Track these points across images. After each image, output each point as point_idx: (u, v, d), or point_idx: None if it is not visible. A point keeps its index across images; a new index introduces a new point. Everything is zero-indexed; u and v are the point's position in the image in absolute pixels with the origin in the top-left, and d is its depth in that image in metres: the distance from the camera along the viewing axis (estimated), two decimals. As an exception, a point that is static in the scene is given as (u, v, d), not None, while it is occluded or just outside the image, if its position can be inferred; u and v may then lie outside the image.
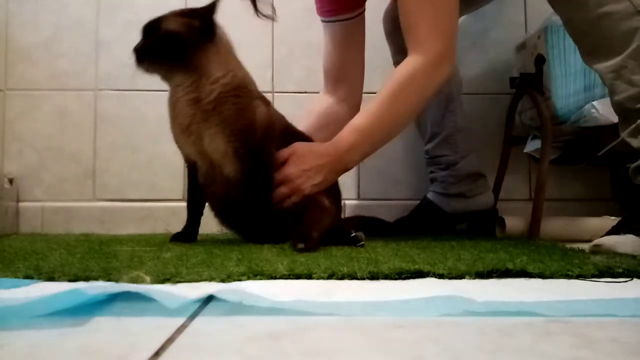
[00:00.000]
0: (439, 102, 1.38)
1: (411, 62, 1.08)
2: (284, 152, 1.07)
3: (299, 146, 1.08)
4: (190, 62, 1.03)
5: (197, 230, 1.14)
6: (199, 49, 1.03)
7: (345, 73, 1.35)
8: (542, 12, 1.61)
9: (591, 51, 1.03)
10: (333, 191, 1.12)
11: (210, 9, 1.03)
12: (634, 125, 0.99)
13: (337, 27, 1.34)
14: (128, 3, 1.65)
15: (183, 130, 1.04)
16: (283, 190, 1.05)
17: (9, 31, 1.63)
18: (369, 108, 1.10)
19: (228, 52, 1.09)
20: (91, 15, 1.65)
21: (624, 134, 1.02)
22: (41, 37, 1.63)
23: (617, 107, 1.02)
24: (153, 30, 1.04)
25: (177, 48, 1.02)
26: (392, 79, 1.08)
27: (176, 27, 1.03)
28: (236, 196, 1.04)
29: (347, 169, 1.10)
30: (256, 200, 1.03)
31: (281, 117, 1.16)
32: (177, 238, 1.11)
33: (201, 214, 1.14)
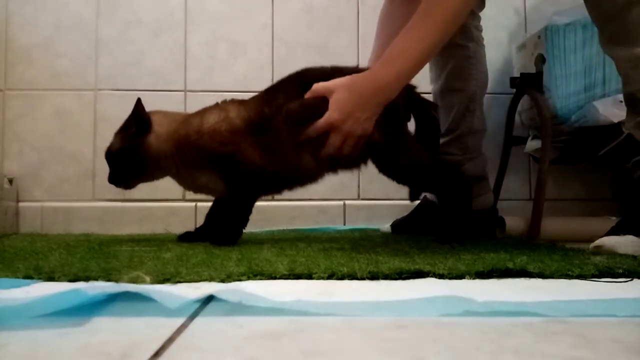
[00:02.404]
0: (461, 100, 1.36)
1: None
2: (320, 89, 1.04)
3: (336, 87, 1.03)
4: (148, 158, 1.09)
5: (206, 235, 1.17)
6: (145, 146, 1.09)
7: None
8: (542, 12, 1.62)
9: (613, 38, 1.00)
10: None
11: (136, 109, 1.10)
12: None
13: None
14: (128, 3, 1.65)
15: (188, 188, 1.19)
16: (334, 140, 1.02)
17: (9, 31, 1.63)
18: (406, 28, 1.03)
19: (168, 124, 1.12)
20: (91, 15, 1.65)
21: (629, 126, 1.01)
22: (41, 37, 1.63)
23: (628, 97, 1.00)
24: (108, 157, 1.13)
25: (130, 160, 1.10)
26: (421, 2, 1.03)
27: (118, 146, 1.11)
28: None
29: (390, 98, 1.03)
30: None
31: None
32: (185, 238, 1.16)
33: (215, 222, 1.18)
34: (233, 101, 1.14)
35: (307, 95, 1.06)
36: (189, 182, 1.14)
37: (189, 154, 1.08)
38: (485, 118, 1.42)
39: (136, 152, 1.09)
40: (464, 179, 1.13)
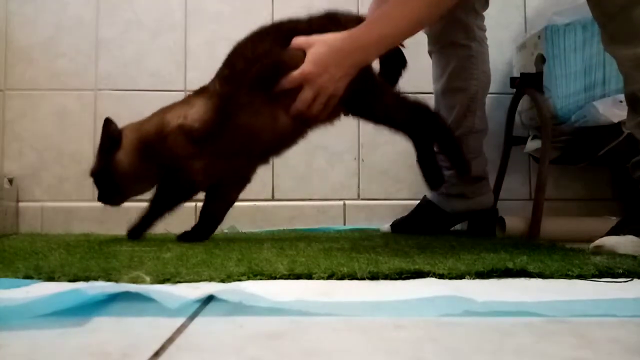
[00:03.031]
0: (463, 100, 1.36)
1: None
2: (300, 42, 1.03)
3: (315, 41, 1.01)
4: (122, 174, 1.11)
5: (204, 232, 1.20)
6: (115, 162, 1.10)
7: None
8: (542, 12, 1.62)
9: (615, 37, 0.99)
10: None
11: (105, 128, 1.12)
12: None
13: None
14: (128, 3, 1.65)
15: None
16: (307, 93, 1.01)
17: (9, 31, 1.63)
18: (385, 10, 1.01)
19: (133, 131, 1.13)
20: (91, 15, 1.65)
21: (630, 125, 1.01)
22: (41, 37, 1.63)
23: (629, 97, 1.00)
24: (92, 177, 1.14)
25: (108, 179, 1.12)
26: None
27: (96, 166, 1.13)
28: None
29: (367, 61, 1.03)
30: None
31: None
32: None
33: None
34: (200, 92, 1.12)
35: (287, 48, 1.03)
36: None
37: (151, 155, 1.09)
38: (486, 118, 1.42)
39: (110, 170, 1.10)
40: (434, 115, 1.12)
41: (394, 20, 0.99)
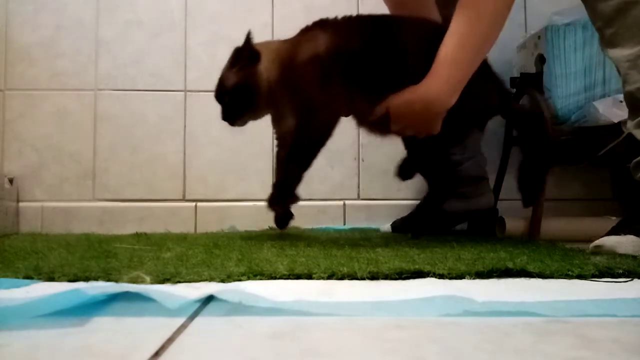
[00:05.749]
0: None
1: None
2: (379, 111, 1.09)
3: (392, 103, 1.08)
4: (262, 88, 1.11)
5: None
6: (259, 75, 1.11)
7: None
8: (542, 12, 1.61)
9: (612, 39, 1.00)
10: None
11: (246, 42, 1.11)
12: None
13: None
14: (128, 3, 1.65)
15: None
16: (394, 127, 1.09)
17: (9, 31, 1.63)
18: (449, 34, 1.05)
19: (269, 52, 1.13)
20: (91, 15, 1.65)
21: (630, 126, 1.01)
22: (41, 37, 1.63)
23: (628, 97, 1.01)
24: (222, 94, 1.14)
25: (246, 93, 1.12)
26: (460, 3, 1.04)
27: (235, 80, 1.11)
28: None
29: (447, 106, 1.06)
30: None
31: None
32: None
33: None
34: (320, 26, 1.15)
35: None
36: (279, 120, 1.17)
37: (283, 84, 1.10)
38: None
39: (252, 82, 1.09)
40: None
41: (452, 59, 1.04)
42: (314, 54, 1.09)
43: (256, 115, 1.17)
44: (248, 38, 1.11)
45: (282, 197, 1.13)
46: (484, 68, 1.10)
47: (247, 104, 1.12)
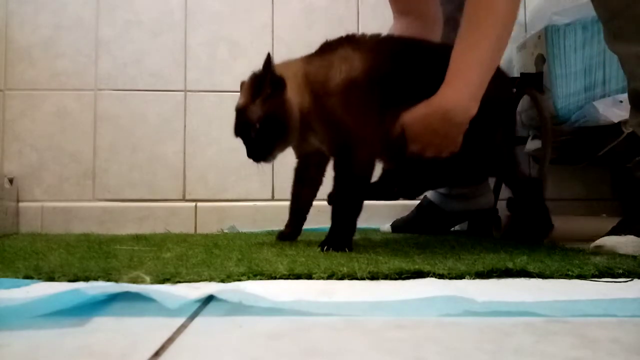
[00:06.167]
0: None
1: None
2: (394, 132, 0.98)
3: (407, 121, 0.97)
4: (292, 117, 1.01)
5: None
6: (288, 104, 0.99)
7: None
8: (542, 12, 1.62)
9: (619, 34, 0.98)
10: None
11: (267, 67, 1.00)
12: None
13: None
14: (128, 3, 1.65)
15: None
16: (412, 148, 0.98)
17: (8, 31, 1.63)
18: (459, 37, 0.98)
19: (294, 76, 1.02)
20: (91, 15, 1.65)
21: (633, 123, 1.00)
22: (41, 37, 1.63)
23: (633, 94, 1.00)
24: (247, 130, 1.01)
25: (275, 124, 1.00)
26: (467, 5, 0.97)
27: (261, 112, 0.99)
28: None
29: (468, 116, 0.95)
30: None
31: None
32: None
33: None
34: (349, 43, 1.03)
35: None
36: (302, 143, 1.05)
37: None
38: None
39: (281, 113, 0.97)
40: None
41: (464, 67, 0.95)
42: (349, 79, 0.98)
43: (285, 148, 1.05)
44: (268, 62, 0.98)
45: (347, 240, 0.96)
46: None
47: (277, 137, 0.99)
